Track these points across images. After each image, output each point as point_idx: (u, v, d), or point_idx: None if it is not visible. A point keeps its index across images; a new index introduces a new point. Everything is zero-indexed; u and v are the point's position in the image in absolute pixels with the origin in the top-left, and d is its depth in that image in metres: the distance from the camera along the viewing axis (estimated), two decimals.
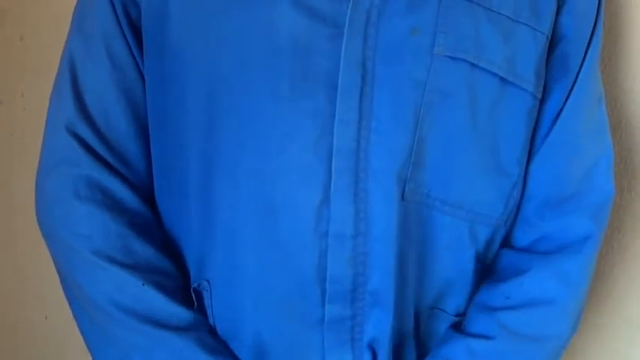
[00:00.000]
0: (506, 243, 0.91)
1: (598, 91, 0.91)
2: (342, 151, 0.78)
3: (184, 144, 0.83)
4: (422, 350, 0.87)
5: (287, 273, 0.80)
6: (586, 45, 0.88)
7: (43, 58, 1.40)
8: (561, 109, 0.88)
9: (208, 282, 0.84)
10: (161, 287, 0.83)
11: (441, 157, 0.81)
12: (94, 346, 0.87)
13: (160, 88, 0.85)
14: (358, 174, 0.78)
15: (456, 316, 0.88)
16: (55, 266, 0.88)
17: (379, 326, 0.81)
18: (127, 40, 0.85)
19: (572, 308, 0.87)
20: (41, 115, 0.90)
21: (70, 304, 0.88)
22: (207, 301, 0.85)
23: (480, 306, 0.87)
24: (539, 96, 0.86)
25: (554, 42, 0.87)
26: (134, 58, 0.86)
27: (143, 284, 0.82)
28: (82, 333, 0.88)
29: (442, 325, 0.87)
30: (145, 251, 0.84)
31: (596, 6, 0.89)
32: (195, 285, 0.86)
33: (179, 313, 0.83)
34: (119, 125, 0.86)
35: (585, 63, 0.88)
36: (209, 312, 0.85)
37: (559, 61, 0.87)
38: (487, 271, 0.90)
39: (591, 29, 0.88)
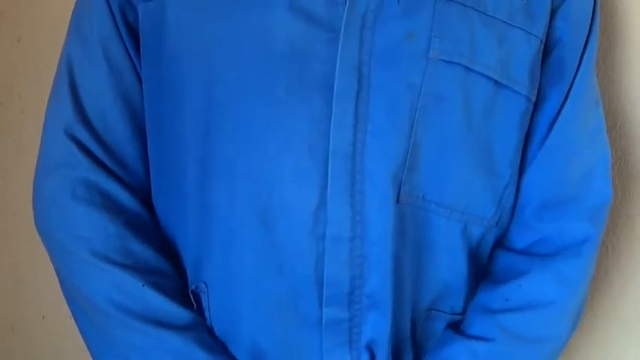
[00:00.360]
0: (504, 245, 0.91)
1: (595, 95, 0.91)
2: (338, 155, 0.78)
3: (181, 147, 0.83)
4: (419, 351, 0.87)
5: (284, 275, 0.80)
6: (582, 49, 0.88)
7: (40, 59, 1.40)
8: (558, 113, 0.88)
9: (206, 284, 0.84)
10: (160, 288, 0.83)
11: (436, 159, 0.81)
12: (94, 347, 0.88)
13: (157, 91, 0.85)
14: (354, 177, 0.79)
15: (452, 314, 0.88)
16: (54, 268, 0.88)
17: (377, 328, 0.82)
18: (124, 44, 0.86)
19: (570, 310, 0.88)
20: (38, 117, 0.90)
21: (69, 304, 0.89)
22: (204, 303, 0.85)
23: (479, 308, 0.87)
24: (534, 99, 0.86)
25: (549, 46, 0.87)
26: (131, 61, 0.86)
27: (142, 285, 0.82)
28: (82, 333, 0.89)
29: (439, 324, 0.87)
30: (143, 252, 0.84)
31: (591, 10, 0.89)
32: (193, 287, 0.86)
33: (178, 313, 0.83)
34: (117, 128, 0.86)
35: (581, 67, 0.88)
36: (207, 314, 0.85)
37: (555, 65, 0.88)
38: (484, 271, 0.90)
39: (587, 33, 0.89)
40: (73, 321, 0.90)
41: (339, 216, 0.79)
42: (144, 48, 0.85)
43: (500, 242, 0.91)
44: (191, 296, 0.86)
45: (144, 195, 0.88)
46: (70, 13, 0.90)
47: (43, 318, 1.50)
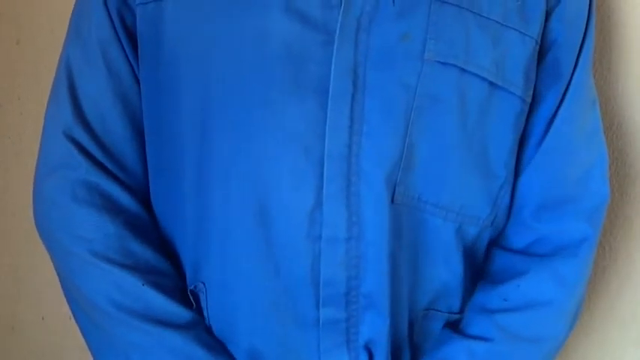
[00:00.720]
0: (502, 245, 0.91)
1: (591, 95, 0.92)
2: (333, 156, 0.79)
3: (179, 148, 0.84)
4: (417, 351, 0.87)
5: (280, 276, 0.81)
6: (577, 50, 0.89)
7: (39, 61, 1.40)
8: (555, 114, 0.88)
9: (204, 284, 0.85)
10: (160, 287, 0.84)
11: (431, 160, 0.82)
12: (94, 346, 0.88)
13: (155, 93, 0.85)
14: (350, 178, 0.79)
15: (450, 313, 0.88)
16: (55, 268, 0.89)
17: (374, 328, 0.82)
18: (122, 46, 0.86)
19: (568, 310, 0.88)
20: (37, 118, 0.90)
21: (70, 304, 0.89)
22: (203, 303, 0.85)
23: (477, 308, 0.88)
24: (529, 100, 0.87)
25: (545, 48, 0.87)
26: (130, 63, 0.86)
27: (142, 284, 0.83)
28: (83, 333, 0.89)
29: (436, 324, 0.88)
30: (143, 252, 0.85)
31: (587, 10, 0.89)
32: (191, 287, 0.86)
33: (178, 312, 0.84)
34: (116, 130, 0.87)
35: (578, 67, 0.89)
36: (205, 314, 0.85)
37: (551, 66, 0.88)
38: (480, 271, 0.91)
39: (582, 34, 0.89)
40: (72, 321, 0.90)
41: (335, 217, 0.79)
42: (142, 50, 0.85)
43: (498, 242, 0.92)
44: (190, 296, 0.87)
45: (143, 196, 0.89)
46: (69, 15, 0.90)
47: (43, 318, 1.50)
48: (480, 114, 0.83)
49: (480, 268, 0.91)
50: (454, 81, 0.81)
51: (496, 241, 0.92)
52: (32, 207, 0.88)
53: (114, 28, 0.85)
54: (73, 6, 0.91)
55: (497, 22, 0.83)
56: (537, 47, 0.86)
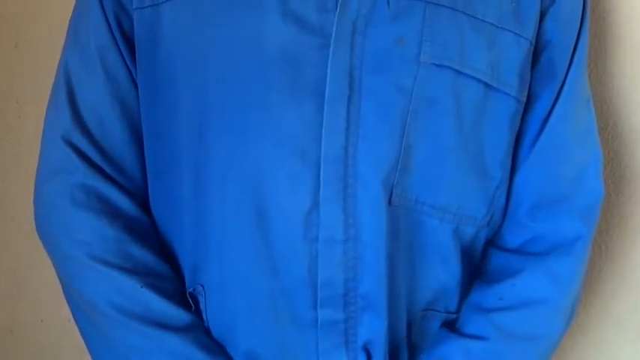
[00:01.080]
0: (498, 244, 0.92)
1: (586, 95, 0.92)
2: (330, 159, 0.79)
3: (177, 151, 0.84)
4: (415, 351, 0.88)
5: (278, 278, 0.81)
6: (572, 50, 0.89)
7: (37, 64, 1.40)
8: (550, 113, 0.89)
9: (203, 286, 0.85)
10: (159, 290, 0.84)
11: (428, 162, 0.82)
12: (94, 348, 0.88)
13: (152, 97, 0.86)
14: (347, 180, 0.79)
15: (447, 313, 0.89)
16: (55, 270, 0.89)
17: (372, 329, 0.82)
18: (120, 51, 0.86)
19: (564, 308, 0.89)
20: (36, 121, 0.90)
21: (70, 307, 0.90)
22: (202, 306, 0.86)
23: (473, 307, 0.88)
24: (524, 100, 0.87)
25: (539, 48, 0.88)
26: (128, 68, 0.87)
27: (141, 287, 0.83)
28: (82, 335, 0.89)
29: (434, 324, 0.88)
30: (142, 255, 0.85)
31: (581, 10, 0.89)
32: (190, 289, 0.87)
33: (177, 314, 0.84)
34: (114, 134, 0.87)
35: (572, 68, 0.89)
36: (204, 316, 0.86)
37: (545, 67, 0.88)
38: (477, 270, 0.91)
39: (576, 34, 0.89)
40: (71, 323, 0.91)
41: (332, 219, 0.80)
42: (139, 54, 0.86)
43: (494, 242, 0.92)
44: (189, 298, 0.87)
45: (142, 199, 0.89)
46: (68, 19, 0.90)
47: (42, 321, 1.50)
48: (475, 115, 0.83)
49: (478, 267, 0.91)
50: (450, 83, 0.81)
51: (492, 241, 0.92)
52: (33, 211, 0.89)
53: (111, 33, 0.86)
54: (71, 9, 0.91)
55: (491, 24, 0.83)
56: (532, 48, 0.86)
